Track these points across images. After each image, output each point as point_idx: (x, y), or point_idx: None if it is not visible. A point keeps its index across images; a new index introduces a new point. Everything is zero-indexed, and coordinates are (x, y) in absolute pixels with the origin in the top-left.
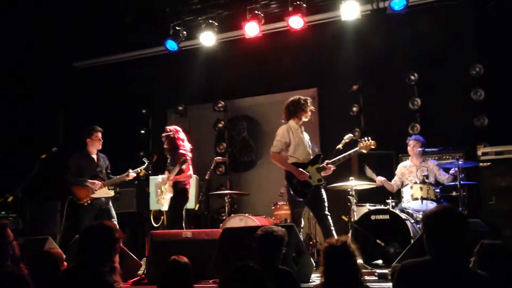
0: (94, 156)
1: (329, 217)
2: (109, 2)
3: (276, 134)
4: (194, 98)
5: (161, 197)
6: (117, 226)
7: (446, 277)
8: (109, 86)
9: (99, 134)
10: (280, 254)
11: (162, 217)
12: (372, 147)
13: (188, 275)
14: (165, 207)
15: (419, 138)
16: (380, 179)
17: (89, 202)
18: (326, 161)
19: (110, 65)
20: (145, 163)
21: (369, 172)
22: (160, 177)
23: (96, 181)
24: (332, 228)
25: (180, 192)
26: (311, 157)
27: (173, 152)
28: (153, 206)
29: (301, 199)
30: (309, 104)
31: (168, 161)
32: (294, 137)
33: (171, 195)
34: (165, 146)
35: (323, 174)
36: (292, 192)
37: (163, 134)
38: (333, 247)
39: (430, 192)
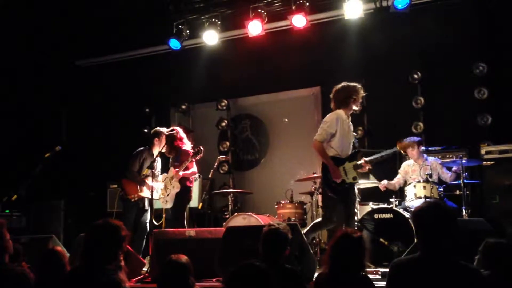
0: (157, 158)
1: (355, 218)
2: (113, 1)
3: (324, 121)
4: (197, 97)
5: (165, 194)
6: (122, 224)
7: (435, 272)
8: (112, 84)
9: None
10: (285, 252)
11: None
12: (411, 148)
13: (187, 274)
14: (169, 205)
15: (413, 139)
16: (383, 183)
17: (136, 199)
18: (364, 159)
19: (113, 63)
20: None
21: (373, 179)
22: (160, 176)
23: (152, 186)
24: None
25: (185, 189)
26: (350, 152)
27: (175, 151)
28: (157, 205)
29: (332, 195)
30: (361, 92)
31: (171, 160)
32: (341, 129)
33: (177, 190)
34: (166, 147)
35: (359, 171)
36: (325, 187)
37: (167, 133)
38: (349, 237)
39: (433, 191)
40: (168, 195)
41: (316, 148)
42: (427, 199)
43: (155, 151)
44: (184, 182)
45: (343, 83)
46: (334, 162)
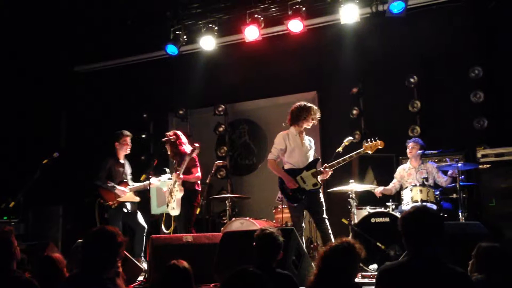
0: (123, 161)
1: (326, 221)
2: (110, 6)
3: (274, 141)
4: (194, 102)
5: (172, 201)
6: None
7: (423, 276)
8: (110, 90)
9: (128, 139)
10: (277, 256)
11: (173, 223)
12: (380, 147)
13: (188, 280)
14: (176, 211)
15: (418, 141)
16: (378, 190)
17: (116, 205)
18: (324, 165)
19: (111, 69)
20: (166, 172)
21: (369, 177)
22: (165, 181)
23: (124, 189)
24: (330, 232)
25: (191, 192)
26: (307, 162)
27: (179, 156)
28: (154, 211)
29: (295, 204)
30: (312, 112)
31: (175, 165)
32: (290, 143)
33: (181, 194)
34: (169, 152)
35: (320, 178)
36: (285, 198)
37: (164, 139)
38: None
39: (430, 194)
40: (174, 201)
41: (270, 166)
42: (414, 204)
43: (121, 155)
44: (191, 186)
45: (301, 102)
46: (291, 173)
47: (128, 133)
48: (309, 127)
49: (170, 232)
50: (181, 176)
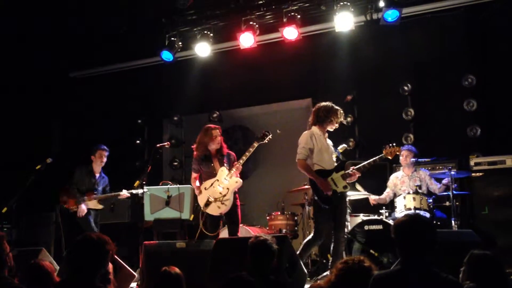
0: (97, 175)
1: (345, 229)
2: (106, 13)
3: (299, 141)
4: (189, 108)
5: (221, 197)
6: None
7: (416, 284)
8: (105, 96)
9: (102, 154)
10: (271, 264)
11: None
12: (397, 153)
13: (180, 286)
14: (224, 206)
15: (411, 149)
16: (372, 198)
17: (75, 209)
18: (352, 167)
19: (106, 75)
20: (142, 187)
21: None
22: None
23: (84, 209)
24: (343, 241)
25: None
26: (335, 163)
27: (222, 152)
28: (148, 217)
29: (326, 206)
30: (339, 115)
31: (217, 161)
32: (317, 143)
33: (240, 183)
34: (219, 145)
35: (348, 180)
36: (317, 199)
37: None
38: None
39: (423, 202)
40: (225, 195)
41: (301, 167)
42: (407, 212)
43: (95, 168)
44: None
45: (329, 103)
46: (321, 175)
47: (104, 148)
48: (331, 129)
49: (217, 234)
50: (239, 167)
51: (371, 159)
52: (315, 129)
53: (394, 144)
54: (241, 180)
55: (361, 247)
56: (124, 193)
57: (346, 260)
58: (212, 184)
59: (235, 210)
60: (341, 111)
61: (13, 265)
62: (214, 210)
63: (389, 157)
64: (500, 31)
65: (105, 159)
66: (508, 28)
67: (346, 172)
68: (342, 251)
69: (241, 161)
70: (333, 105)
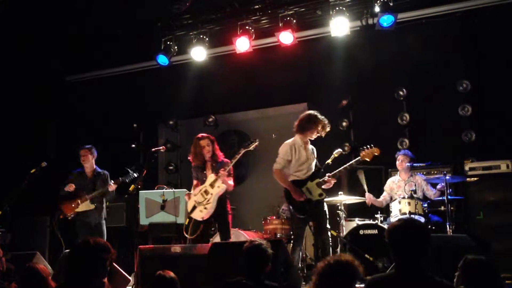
0: (89, 175)
1: (329, 232)
2: (101, 16)
3: (279, 151)
4: (185, 113)
5: (204, 201)
6: (107, 243)
7: None
8: (100, 100)
9: (80, 155)
10: (266, 268)
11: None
12: (376, 154)
13: None
14: (206, 212)
15: (407, 153)
16: (368, 197)
17: (72, 216)
18: (327, 174)
19: (101, 79)
20: (129, 173)
21: (362, 178)
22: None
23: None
24: (330, 243)
25: (225, 199)
26: (311, 172)
27: (216, 159)
28: (143, 221)
29: (302, 216)
30: (320, 126)
31: (207, 168)
32: (296, 154)
33: (224, 188)
34: (210, 154)
35: (324, 187)
36: (292, 209)
37: (196, 138)
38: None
39: (418, 207)
40: (209, 200)
41: (276, 176)
42: (401, 217)
43: (86, 169)
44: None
45: (313, 113)
46: (296, 185)
47: (80, 148)
48: (312, 138)
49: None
50: (226, 172)
51: (347, 163)
52: (297, 138)
53: (372, 145)
54: (224, 186)
55: (356, 251)
56: (111, 184)
57: (327, 259)
58: (200, 190)
59: (223, 218)
60: (325, 122)
61: (6, 269)
62: (197, 214)
63: (367, 159)
64: (495, 36)
65: (83, 158)
66: (503, 33)
67: (321, 179)
68: (330, 252)
69: (227, 167)
70: (318, 114)
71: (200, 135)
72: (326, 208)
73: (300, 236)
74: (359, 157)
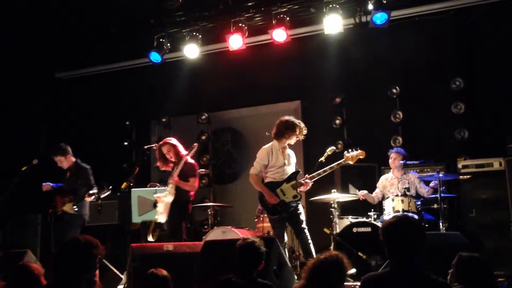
0: (68, 173)
1: (306, 231)
2: (93, 13)
3: (257, 155)
4: (177, 110)
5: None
6: (96, 240)
7: (406, 286)
8: (92, 97)
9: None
10: (259, 266)
11: (157, 230)
12: (361, 157)
13: None
14: (162, 218)
15: (400, 151)
16: (362, 193)
17: (59, 213)
18: (306, 176)
19: (93, 76)
20: (104, 189)
21: (352, 190)
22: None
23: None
24: (310, 242)
25: (183, 201)
26: (288, 174)
27: (177, 159)
28: (135, 219)
29: (275, 216)
30: (297, 131)
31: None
32: (273, 159)
33: (171, 198)
34: (173, 159)
35: (301, 189)
36: (264, 210)
37: (159, 145)
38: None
39: (411, 204)
40: (162, 205)
41: (251, 180)
42: (396, 214)
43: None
44: (184, 195)
45: (290, 118)
46: (271, 186)
47: (52, 156)
48: (292, 143)
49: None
50: (175, 178)
51: (328, 166)
52: (275, 143)
53: (358, 148)
54: (171, 197)
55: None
56: (89, 192)
57: (317, 256)
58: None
59: (174, 222)
60: (302, 126)
61: None
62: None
63: (351, 162)
64: (488, 34)
65: (59, 164)
66: (496, 31)
67: (298, 182)
68: (311, 249)
69: (174, 173)
70: (294, 120)
71: (157, 144)
72: (302, 209)
73: (280, 236)
74: (342, 160)
